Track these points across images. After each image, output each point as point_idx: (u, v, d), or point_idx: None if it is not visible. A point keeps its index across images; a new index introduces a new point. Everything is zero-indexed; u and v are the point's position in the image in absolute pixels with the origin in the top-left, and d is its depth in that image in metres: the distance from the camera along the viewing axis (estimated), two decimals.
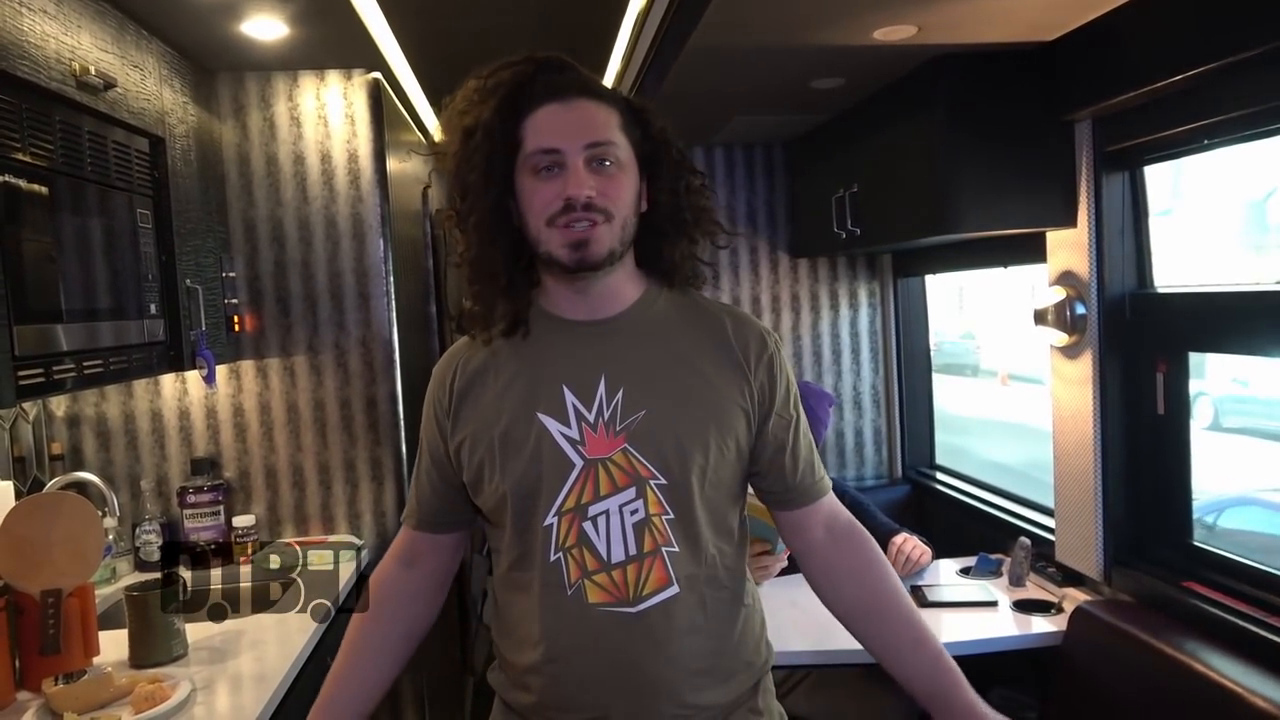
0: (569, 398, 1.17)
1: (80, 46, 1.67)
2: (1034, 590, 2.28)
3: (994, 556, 2.44)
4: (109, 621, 1.96)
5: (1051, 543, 2.32)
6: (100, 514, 1.83)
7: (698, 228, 1.25)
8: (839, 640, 2.12)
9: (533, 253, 1.18)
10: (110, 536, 2.23)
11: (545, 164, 1.13)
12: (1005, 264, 2.59)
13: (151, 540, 2.33)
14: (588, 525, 1.15)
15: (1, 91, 1.44)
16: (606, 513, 1.15)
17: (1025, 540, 2.34)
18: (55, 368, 1.55)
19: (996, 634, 2.08)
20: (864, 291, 3.25)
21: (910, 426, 3.27)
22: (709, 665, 1.18)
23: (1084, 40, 1.92)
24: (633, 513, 1.15)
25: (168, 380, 2.44)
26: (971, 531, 2.71)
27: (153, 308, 1.93)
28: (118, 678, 1.58)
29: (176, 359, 2.02)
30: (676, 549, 1.16)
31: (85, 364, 1.65)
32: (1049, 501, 2.38)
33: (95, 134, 1.73)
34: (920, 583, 2.31)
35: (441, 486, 1.28)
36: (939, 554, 2.47)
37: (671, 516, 1.16)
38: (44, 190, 1.54)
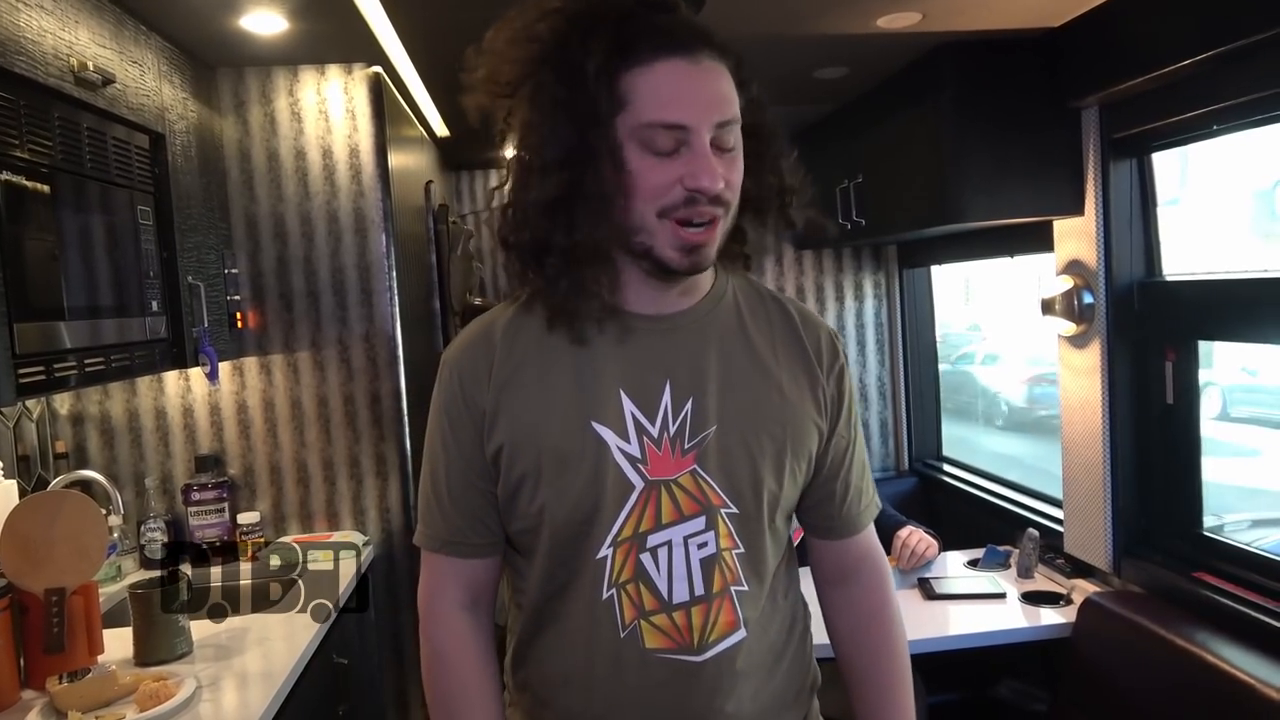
0: (627, 406, 0.98)
1: (78, 42, 1.66)
2: (1042, 582, 2.26)
3: (1002, 548, 2.43)
4: (114, 620, 1.96)
5: (1060, 534, 2.31)
6: (104, 512, 1.82)
7: (790, 210, 1.04)
8: None
9: (620, 239, 0.95)
10: (115, 534, 2.23)
11: (668, 143, 0.91)
12: (1012, 253, 2.57)
13: (156, 538, 2.33)
14: (645, 558, 0.98)
15: (1, 88, 1.43)
16: (669, 544, 0.98)
17: (1033, 532, 2.32)
18: (57, 365, 1.54)
19: (1005, 626, 2.07)
20: (869, 283, 3.24)
21: (917, 418, 3.26)
22: (771, 704, 1.05)
23: (1090, 26, 1.90)
24: (700, 546, 0.98)
25: (171, 377, 2.44)
26: (979, 523, 2.70)
27: (155, 304, 1.92)
28: (122, 676, 1.57)
29: (179, 356, 2.02)
30: (746, 588, 1.01)
31: (87, 361, 1.64)
32: (1057, 493, 2.36)
33: (95, 130, 1.72)
34: (928, 575, 2.30)
35: (490, 497, 1.04)
36: (946, 546, 2.45)
37: (742, 551, 1.01)
38: (44, 188, 1.53)
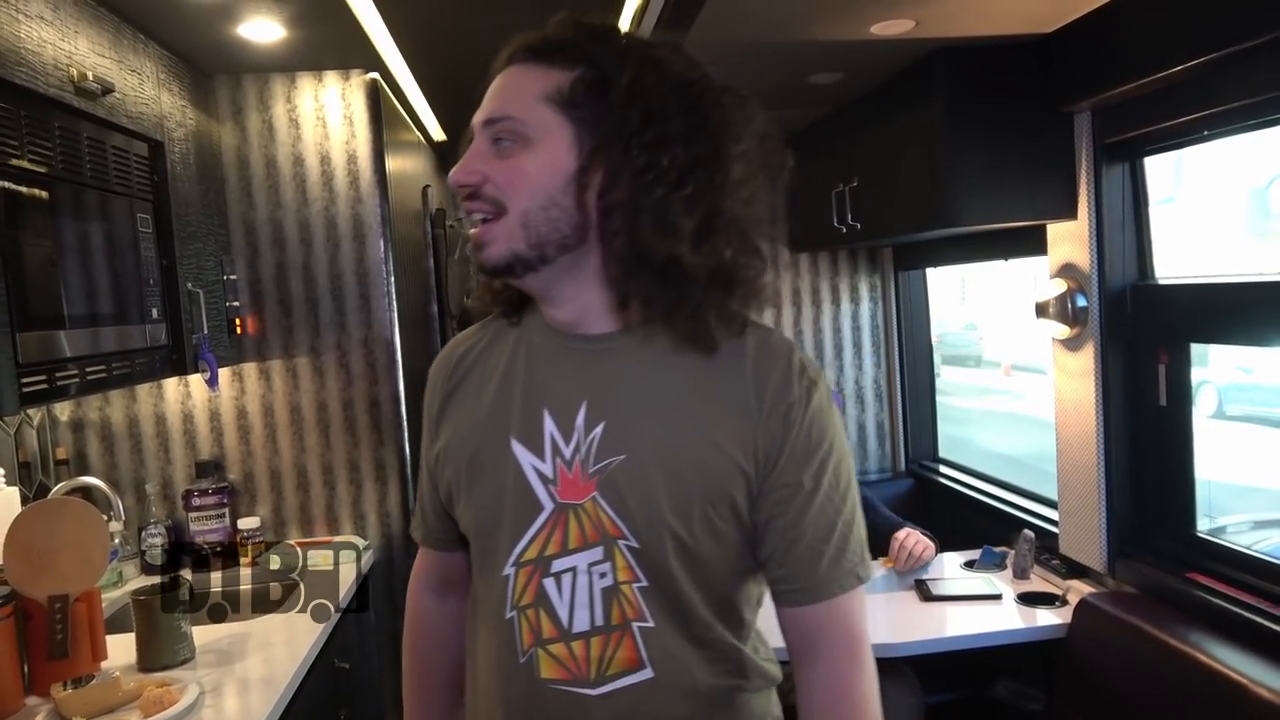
0: (548, 425, 0.95)
1: (78, 52, 1.67)
2: (1038, 583, 2.28)
3: (998, 549, 2.44)
4: (116, 625, 1.97)
5: (1055, 535, 2.33)
6: (105, 518, 1.83)
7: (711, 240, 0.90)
8: None
9: None
10: (116, 540, 2.23)
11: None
12: (1006, 256, 2.59)
13: (157, 544, 2.34)
14: (549, 583, 0.94)
15: (1, 99, 1.44)
16: (573, 570, 0.94)
17: (1029, 533, 2.34)
18: (58, 374, 1.55)
19: (1001, 627, 2.08)
20: (865, 285, 3.25)
21: (913, 420, 3.28)
22: None
23: (1082, 32, 1.92)
24: (601, 575, 0.93)
25: (171, 383, 2.45)
26: (975, 524, 2.72)
27: (154, 312, 1.93)
28: (126, 682, 1.58)
29: (179, 363, 2.03)
30: (652, 624, 0.93)
31: (89, 370, 1.65)
32: (1052, 493, 2.38)
33: (94, 139, 1.73)
34: (924, 576, 2.32)
35: (439, 501, 1.09)
36: (943, 547, 2.47)
37: (646, 585, 0.93)
38: (44, 196, 1.54)
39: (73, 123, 1.66)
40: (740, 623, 1.00)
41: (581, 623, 0.94)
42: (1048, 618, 2.10)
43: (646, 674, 0.93)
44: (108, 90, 1.74)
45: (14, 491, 1.97)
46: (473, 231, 0.95)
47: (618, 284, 0.93)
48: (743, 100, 0.94)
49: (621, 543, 0.93)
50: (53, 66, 1.58)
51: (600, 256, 0.93)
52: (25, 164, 1.49)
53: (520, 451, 0.96)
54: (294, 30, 2.10)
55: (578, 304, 0.96)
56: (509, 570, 0.96)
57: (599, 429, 0.94)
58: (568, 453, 0.94)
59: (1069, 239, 2.15)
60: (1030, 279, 2.41)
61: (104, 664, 1.71)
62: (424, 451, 1.10)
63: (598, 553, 0.93)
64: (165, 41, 2.07)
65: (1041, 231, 2.24)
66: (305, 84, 2.44)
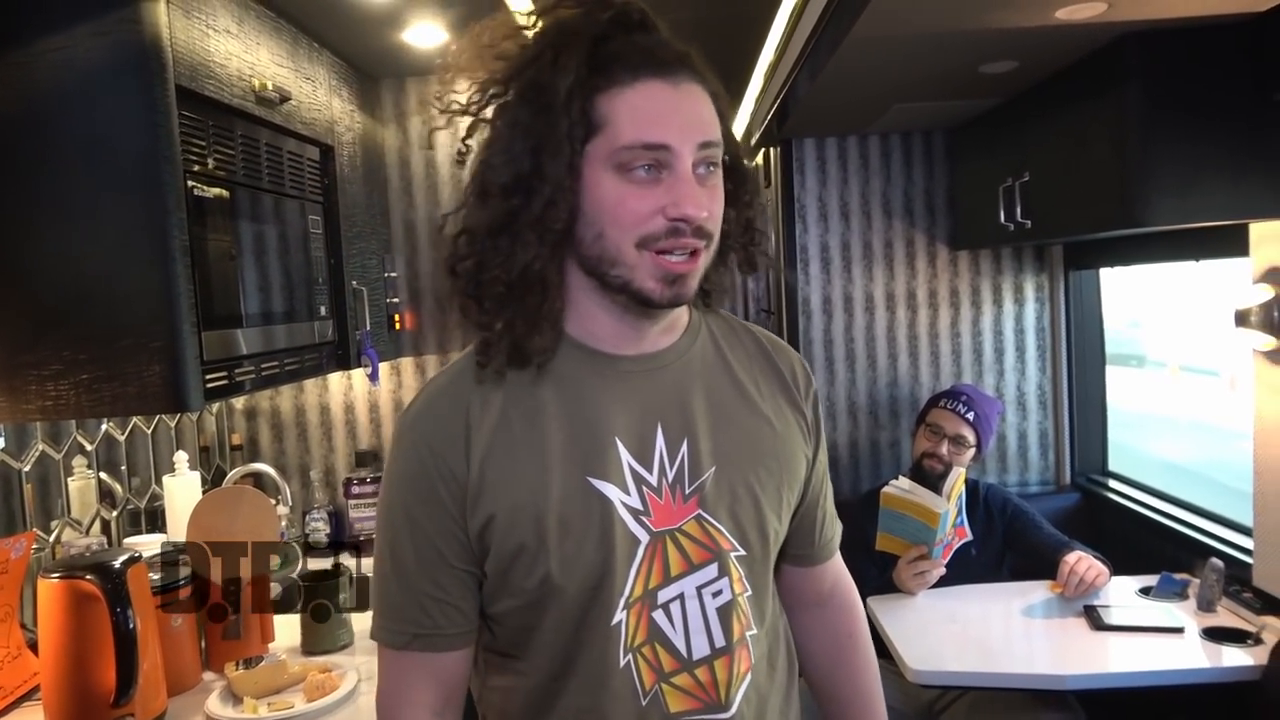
0: (625, 456, 0.91)
1: (259, 63, 1.76)
2: (1227, 617, 2.07)
3: (1179, 577, 2.24)
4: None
5: (1248, 565, 2.11)
6: (273, 502, 1.93)
7: (755, 253, 1.01)
8: (999, 660, 2.04)
9: (594, 271, 0.90)
10: (283, 524, 2.36)
11: (645, 163, 0.85)
12: (1198, 257, 2.36)
13: (320, 527, 2.46)
14: (659, 615, 0.90)
15: (191, 109, 1.52)
16: (680, 596, 0.91)
17: (1217, 561, 2.13)
18: (237, 370, 1.64)
19: (1184, 665, 1.90)
20: (1030, 285, 3.05)
21: (1081, 430, 3.06)
22: None
23: None
24: (715, 594, 0.92)
25: (335, 375, 2.56)
26: (1149, 547, 2.50)
27: (323, 309, 2.02)
28: (291, 665, 1.66)
29: (344, 358, 2.11)
30: (755, 631, 0.97)
31: (263, 365, 1.74)
32: (1236, 515, 2.16)
33: (271, 145, 1.81)
34: (1095, 603, 2.15)
35: (466, 579, 0.93)
36: (1113, 572, 2.29)
37: (751, 594, 0.96)
38: (226, 201, 1.63)
39: (253, 130, 1.75)
40: (778, 606, 1.07)
41: (701, 648, 0.92)
42: (1238, 657, 1.90)
43: (751, 677, 0.96)
44: (285, 98, 1.82)
45: (196, 476, 2.10)
46: (679, 265, 0.87)
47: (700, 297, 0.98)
48: None
49: (733, 555, 0.94)
50: (236, 78, 1.66)
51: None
52: (210, 170, 1.58)
53: (606, 489, 0.90)
54: (456, 34, 2.14)
55: (672, 321, 0.97)
56: (620, 615, 0.90)
57: (684, 447, 0.93)
58: (653, 479, 0.91)
59: (1277, 240, 1.93)
60: (1211, 275, 2.19)
61: (271, 645, 1.80)
62: (436, 531, 0.91)
63: (710, 571, 0.92)
64: (337, 49, 2.16)
65: (1243, 231, 2.03)
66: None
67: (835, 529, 1.15)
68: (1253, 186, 1.89)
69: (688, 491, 0.92)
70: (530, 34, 0.90)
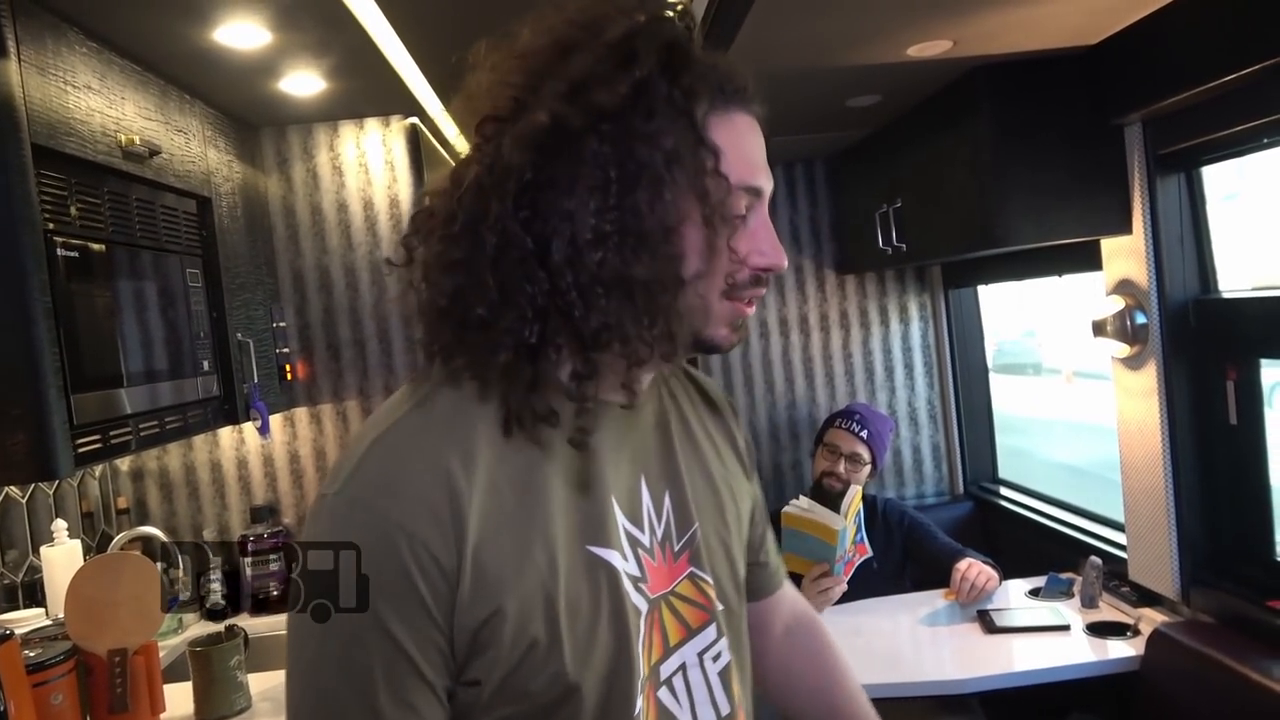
0: (620, 518, 0.77)
1: (125, 117, 1.72)
2: (1108, 611, 2.19)
3: (1064, 576, 2.35)
4: (176, 674, 2.00)
5: (1124, 560, 2.23)
6: (164, 567, 1.86)
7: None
8: (903, 670, 2.10)
9: (655, 317, 0.72)
10: (176, 587, 2.27)
11: (745, 208, 0.76)
12: (1060, 273, 2.51)
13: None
14: (663, 694, 0.78)
15: (52, 168, 1.48)
16: (683, 667, 0.80)
17: (1096, 559, 2.25)
18: (113, 432, 1.59)
19: (1071, 660, 1.99)
20: (914, 305, 3.18)
21: (970, 441, 3.19)
22: None
23: (1129, 42, 1.86)
24: (715, 658, 0.82)
25: (225, 431, 2.50)
26: (1039, 549, 2.62)
27: (206, 364, 1.98)
28: None
29: (231, 413, 2.06)
30: (746, 685, 0.89)
31: (142, 426, 1.69)
32: (1119, 514, 2.29)
33: (143, 200, 1.78)
34: (988, 607, 2.24)
35: (438, 701, 0.70)
36: (1006, 574, 2.39)
37: (739, 648, 0.88)
38: (98, 259, 1.58)
39: (123, 186, 1.71)
40: None
41: None
42: (1120, 649, 2.01)
43: None
44: (155, 152, 1.78)
45: (76, 544, 2.01)
46: (747, 312, 0.79)
47: None
48: None
49: (719, 610, 0.84)
50: (101, 134, 1.63)
51: None
52: (78, 230, 1.54)
53: (610, 556, 0.75)
54: (334, 82, 2.14)
55: None
56: (639, 704, 0.75)
57: (667, 501, 0.82)
58: (646, 539, 0.79)
59: (1125, 254, 2.07)
60: (1088, 288, 2.33)
61: (163, 716, 1.73)
62: (405, 638, 0.68)
63: (710, 634, 0.83)
64: (210, 100, 2.13)
65: (1096, 246, 2.17)
66: (347, 132, 2.48)
67: (779, 559, 1.10)
68: (1098, 205, 2.03)
69: (677, 548, 0.82)
70: (597, 43, 0.73)
